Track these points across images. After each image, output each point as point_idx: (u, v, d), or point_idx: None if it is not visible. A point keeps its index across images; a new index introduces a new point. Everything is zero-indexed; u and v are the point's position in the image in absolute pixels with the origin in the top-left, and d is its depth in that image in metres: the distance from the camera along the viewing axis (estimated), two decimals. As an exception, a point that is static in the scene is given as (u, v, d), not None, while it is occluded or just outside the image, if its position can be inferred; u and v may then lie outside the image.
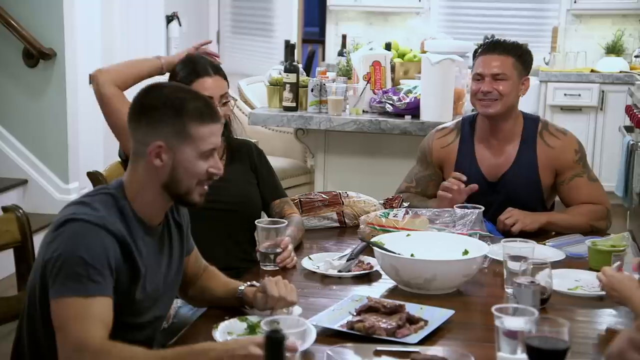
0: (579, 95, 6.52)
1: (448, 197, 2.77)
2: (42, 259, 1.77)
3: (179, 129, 1.82)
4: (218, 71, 2.64)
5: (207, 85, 2.57)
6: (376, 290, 2.25)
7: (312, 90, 4.05)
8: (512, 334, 1.67)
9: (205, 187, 1.90)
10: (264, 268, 2.39)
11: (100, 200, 1.82)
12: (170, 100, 1.84)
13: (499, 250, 2.33)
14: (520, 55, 2.88)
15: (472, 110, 3.24)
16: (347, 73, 4.50)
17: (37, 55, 5.11)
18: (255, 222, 2.45)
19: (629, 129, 5.37)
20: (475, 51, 2.96)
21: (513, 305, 1.75)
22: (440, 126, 3.11)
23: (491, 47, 2.88)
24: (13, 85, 5.22)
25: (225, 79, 2.66)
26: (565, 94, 6.54)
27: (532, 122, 2.94)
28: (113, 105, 2.69)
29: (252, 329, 1.92)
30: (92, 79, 2.78)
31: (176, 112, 1.82)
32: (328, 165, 4.22)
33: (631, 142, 5.06)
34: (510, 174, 2.90)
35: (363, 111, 4.09)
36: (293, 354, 1.56)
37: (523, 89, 2.89)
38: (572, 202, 2.90)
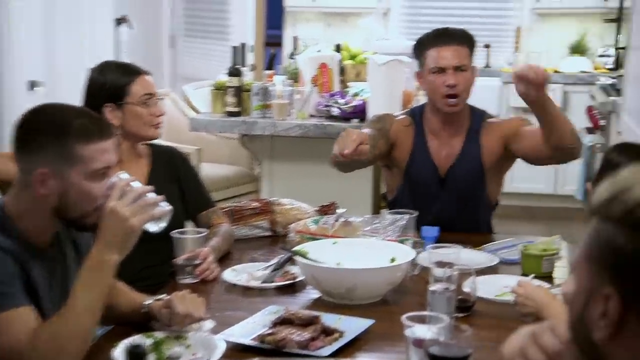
0: (542, 96, 6.45)
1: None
2: None
3: (64, 151, 1.69)
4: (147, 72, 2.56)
5: (149, 83, 2.49)
6: (299, 301, 2.16)
7: (256, 94, 3.92)
8: (419, 343, 1.59)
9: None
10: (182, 282, 2.27)
11: None
12: (51, 122, 1.71)
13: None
14: (473, 44, 2.82)
15: None
16: (295, 76, 4.37)
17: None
18: (170, 233, 2.27)
19: (590, 131, 5.30)
20: (419, 42, 2.83)
21: (422, 313, 1.66)
22: (396, 113, 3.04)
23: (446, 37, 2.77)
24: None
25: None
26: (527, 95, 6.47)
27: (478, 114, 2.88)
28: None
29: (157, 345, 1.81)
30: None
31: (59, 133, 1.69)
32: (275, 172, 4.05)
33: (591, 144, 4.99)
34: (455, 167, 2.84)
35: (310, 115, 3.96)
36: None
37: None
38: (534, 145, 2.69)
